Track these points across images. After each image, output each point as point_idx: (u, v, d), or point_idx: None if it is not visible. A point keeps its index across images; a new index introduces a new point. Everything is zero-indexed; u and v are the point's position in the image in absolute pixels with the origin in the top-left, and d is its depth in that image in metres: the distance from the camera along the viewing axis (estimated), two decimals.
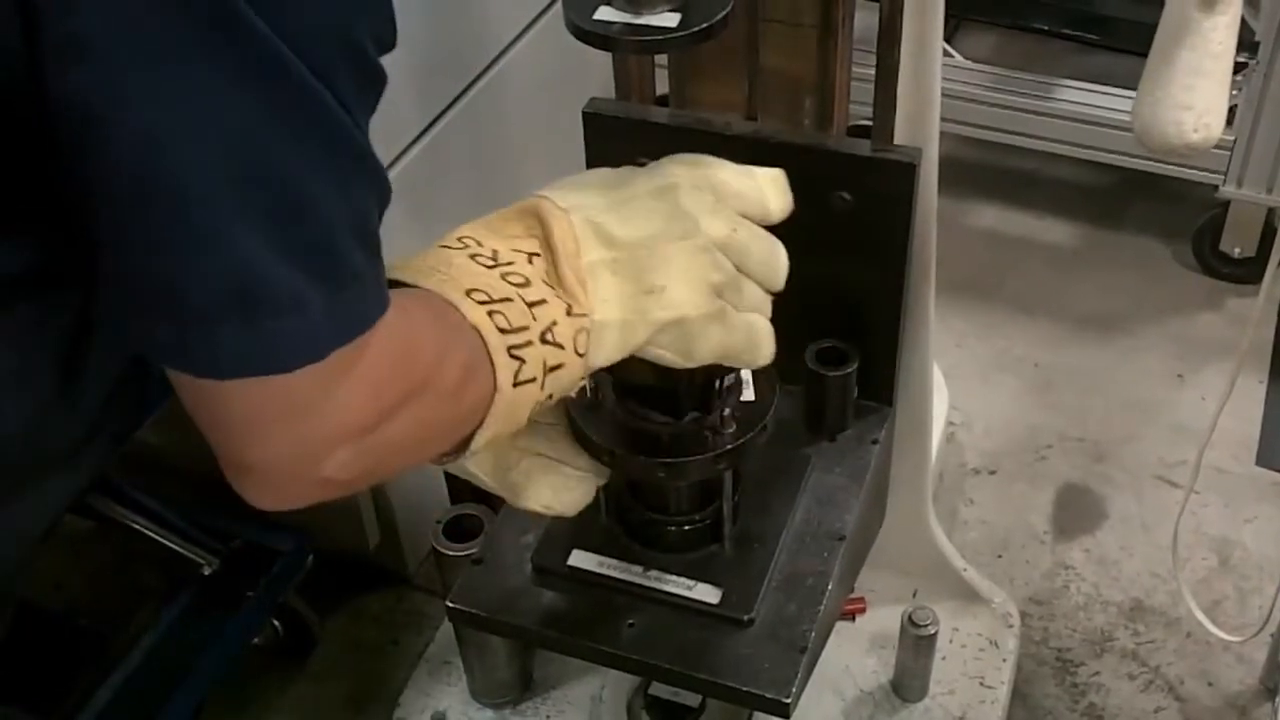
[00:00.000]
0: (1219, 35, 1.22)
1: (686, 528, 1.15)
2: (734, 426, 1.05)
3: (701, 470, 1.06)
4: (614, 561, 1.16)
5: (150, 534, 1.54)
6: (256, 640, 1.64)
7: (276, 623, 1.66)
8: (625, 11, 0.90)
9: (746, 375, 1.09)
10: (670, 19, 0.90)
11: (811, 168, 1.17)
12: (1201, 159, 2.15)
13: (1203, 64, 1.22)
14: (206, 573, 1.52)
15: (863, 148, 1.16)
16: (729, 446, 1.05)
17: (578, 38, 0.93)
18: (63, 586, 1.75)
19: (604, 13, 0.90)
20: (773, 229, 0.98)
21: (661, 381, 1.02)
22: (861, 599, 1.53)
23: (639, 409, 1.04)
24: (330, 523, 1.68)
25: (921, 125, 1.17)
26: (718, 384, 1.04)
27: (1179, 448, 1.93)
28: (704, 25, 0.90)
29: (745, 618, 1.11)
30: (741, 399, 1.08)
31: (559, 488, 1.03)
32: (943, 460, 1.89)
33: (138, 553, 1.63)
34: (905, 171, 1.14)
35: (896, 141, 1.15)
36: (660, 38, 0.90)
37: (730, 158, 1.16)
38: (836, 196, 1.17)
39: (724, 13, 0.91)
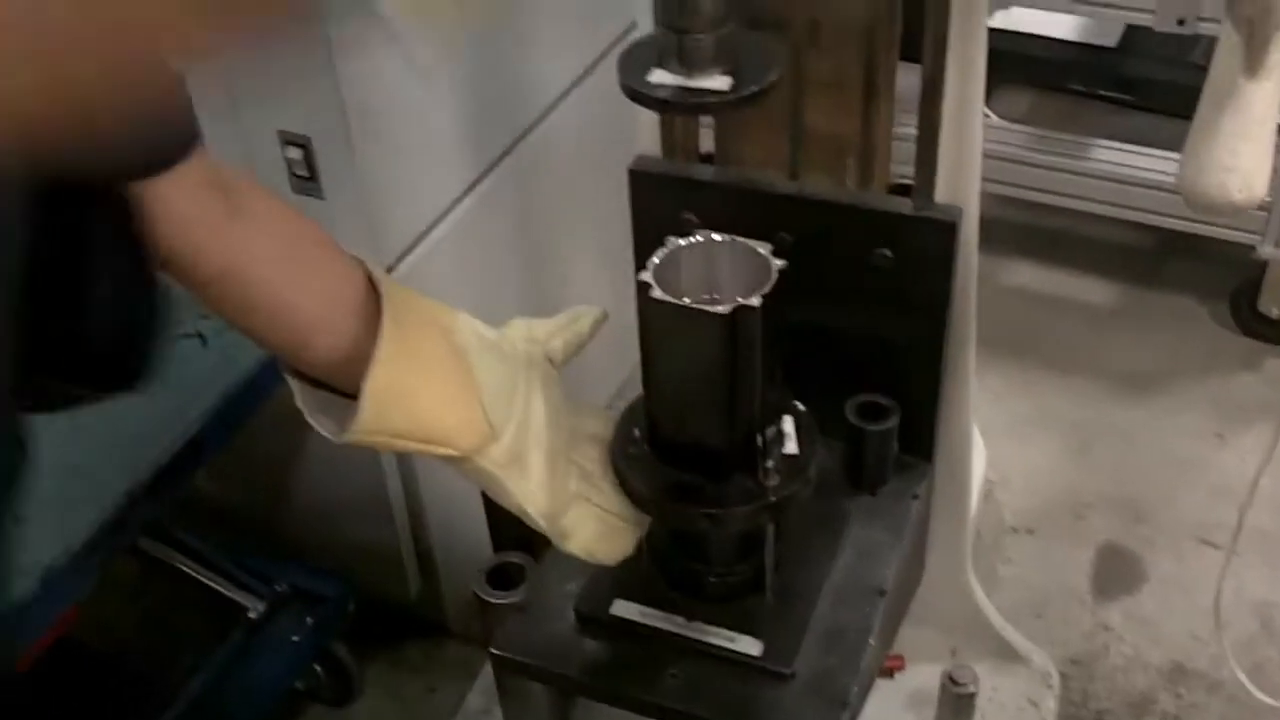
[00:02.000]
0: (1263, 101, 1.24)
1: (729, 579, 1.16)
2: (778, 479, 1.07)
3: (745, 521, 1.07)
4: (656, 611, 1.17)
5: (197, 576, 1.56)
6: (299, 684, 1.66)
7: (319, 668, 1.68)
8: (677, 74, 0.92)
9: (789, 428, 1.10)
10: (722, 81, 0.92)
11: (853, 226, 1.19)
12: (1239, 219, 2.16)
13: (1247, 128, 1.24)
14: (252, 616, 1.55)
15: (904, 206, 1.18)
16: (773, 499, 1.06)
17: (632, 99, 0.95)
18: (112, 629, 1.77)
19: (657, 75, 0.92)
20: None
21: (705, 439, 1.04)
22: (900, 656, 1.53)
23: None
24: (372, 570, 1.70)
25: (962, 184, 1.19)
26: (760, 438, 1.06)
27: (1219, 509, 1.93)
28: (754, 90, 0.92)
29: (787, 671, 1.11)
30: (785, 451, 1.09)
31: (603, 536, 1.05)
32: (980, 519, 1.89)
33: (186, 597, 1.65)
34: (946, 230, 1.16)
35: (937, 200, 1.17)
36: (712, 100, 0.92)
37: (773, 215, 1.19)
38: (878, 254, 1.19)
39: (774, 77, 0.94)
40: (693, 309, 0.99)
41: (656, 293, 1.00)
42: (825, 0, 1.09)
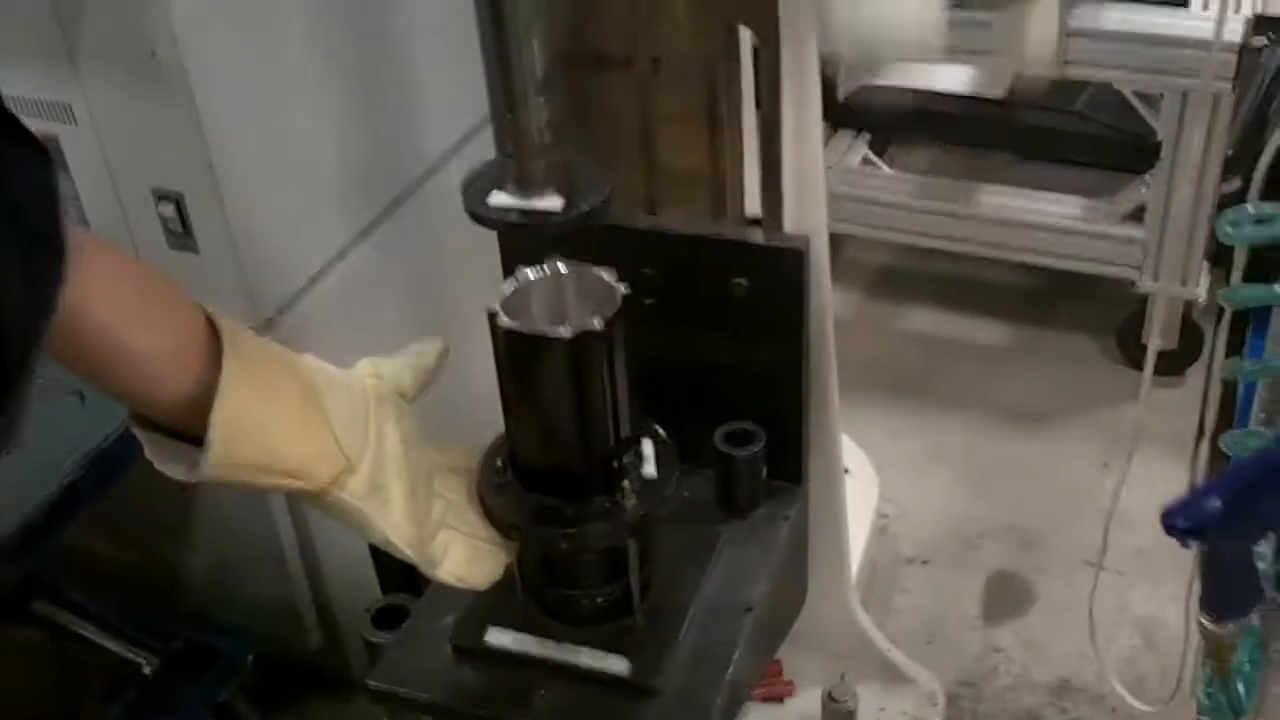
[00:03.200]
0: None
1: (598, 600, 1.19)
2: (635, 500, 1.11)
3: (603, 540, 1.10)
4: (529, 637, 1.19)
5: (92, 636, 1.56)
6: None
7: None
8: (516, 197, 0.98)
9: (648, 451, 1.15)
10: (555, 202, 0.98)
11: (709, 257, 1.24)
12: (1120, 255, 2.24)
13: None
14: (147, 672, 1.55)
15: (756, 236, 1.23)
16: (630, 519, 1.10)
17: (474, 221, 1.01)
18: (11, 697, 1.76)
19: (497, 198, 0.99)
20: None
21: (562, 463, 1.09)
22: (790, 682, 1.56)
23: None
24: (272, 625, 1.71)
25: (808, 213, 1.24)
26: (618, 461, 1.10)
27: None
28: (585, 209, 0.99)
29: (653, 686, 1.14)
30: (643, 474, 1.14)
31: (472, 560, 1.07)
32: (876, 551, 1.94)
33: (87, 663, 1.66)
34: (795, 257, 1.21)
35: (787, 230, 1.23)
36: (546, 221, 0.98)
37: (635, 251, 1.25)
38: (735, 283, 1.24)
39: (603, 197, 1.00)
40: (537, 335, 1.03)
41: (504, 321, 1.04)
42: (665, 38, 1.15)
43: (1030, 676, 1.78)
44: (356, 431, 0.96)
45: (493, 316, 1.05)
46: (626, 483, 1.10)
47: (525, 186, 0.97)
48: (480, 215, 0.99)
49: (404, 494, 1.00)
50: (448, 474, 1.08)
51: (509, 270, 1.29)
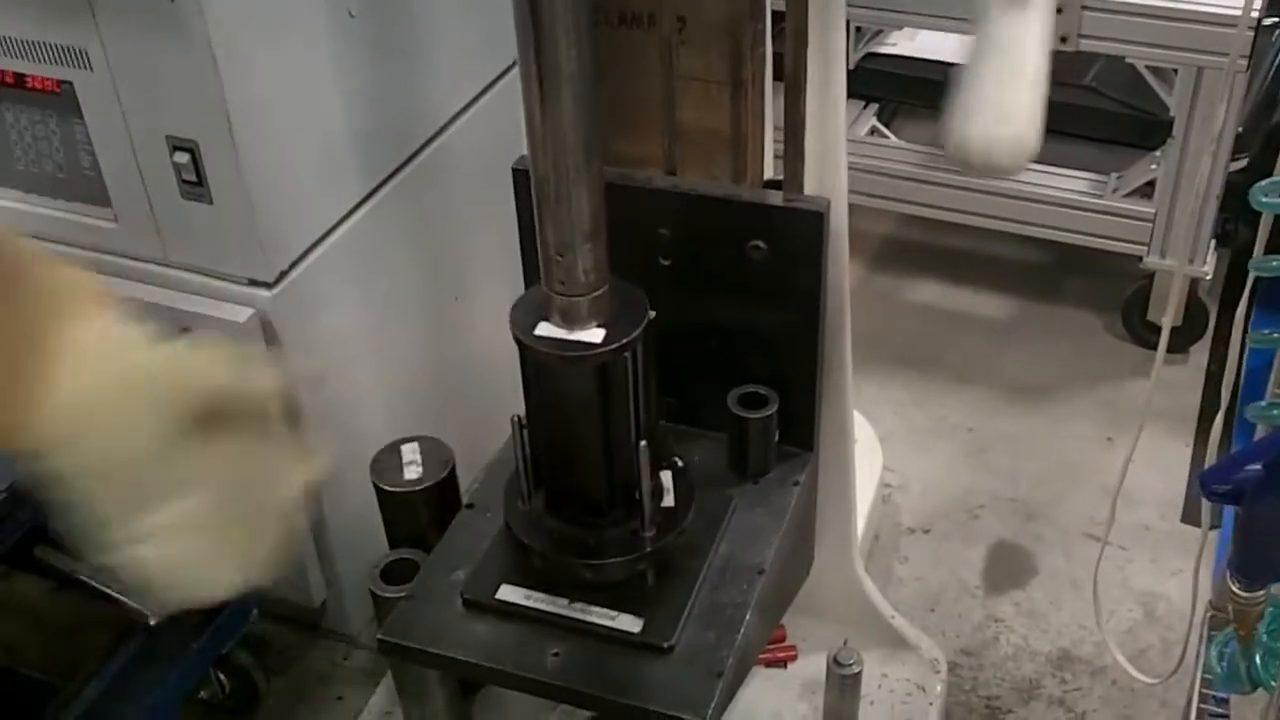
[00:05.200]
0: (1027, 41, 1.20)
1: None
2: (654, 530, 1.15)
3: (623, 571, 1.16)
4: (541, 595, 1.20)
5: (97, 586, 1.56)
6: (203, 695, 1.66)
7: (223, 677, 1.68)
8: (559, 327, 1.06)
9: (667, 482, 1.17)
10: (596, 334, 1.06)
11: (727, 219, 1.24)
12: (1127, 231, 2.24)
13: (1015, 68, 1.20)
14: (152, 624, 1.55)
15: (775, 198, 1.22)
16: (649, 550, 1.15)
17: (524, 350, 1.08)
18: (15, 646, 1.76)
19: (543, 328, 1.06)
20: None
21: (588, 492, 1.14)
22: (793, 647, 1.57)
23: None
24: (276, 580, 1.71)
25: (829, 176, 1.24)
26: (637, 493, 1.14)
27: (1106, 507, 1.98)
28: (624, 341, 1.06)
29: (665, 645, 1.15)
30: (662, 505, 1.17)
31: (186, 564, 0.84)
32: (879, 521, 1.94)
33: (91, 614, 1.65)
34: (815, 220, 1.21)
35: (807, 192, 1.22)
36: (588, 353, 1.06)
37: (652, 211, 1.24)
38: (752, 246, 1.23)
39: (639, 330, 1.06)
40: (564, 355, 1.06)
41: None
42: None
43: (1031, 647, 1.78)
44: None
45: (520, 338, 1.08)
46: (646, 513, 1.14)
47: (569, 320, 1.05)
48: (527, 344, 1.06)
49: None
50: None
51: (524, 216, 1.29)
